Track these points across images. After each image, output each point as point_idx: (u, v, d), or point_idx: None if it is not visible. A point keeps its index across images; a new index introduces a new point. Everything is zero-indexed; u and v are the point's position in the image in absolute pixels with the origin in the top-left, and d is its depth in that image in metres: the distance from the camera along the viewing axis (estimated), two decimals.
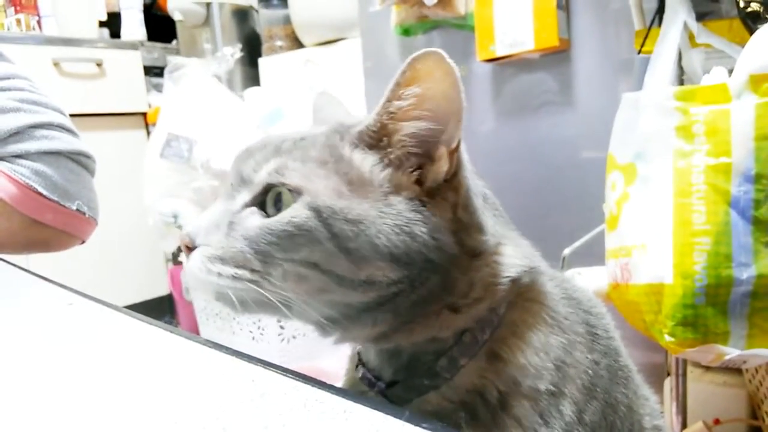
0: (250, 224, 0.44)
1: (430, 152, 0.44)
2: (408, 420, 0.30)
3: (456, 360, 0.46)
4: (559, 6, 1.32)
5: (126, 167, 2.20)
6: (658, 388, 1.35)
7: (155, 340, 0.46)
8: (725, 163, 0.78)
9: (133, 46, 2.49)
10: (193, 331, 2.10)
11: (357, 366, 0.52)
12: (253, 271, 0.42)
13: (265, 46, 2.36)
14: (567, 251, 1.11)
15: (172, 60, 2.23)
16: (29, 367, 0.41)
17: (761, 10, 0.89)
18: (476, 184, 0.49)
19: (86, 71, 2.32)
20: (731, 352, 0.80)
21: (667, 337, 0.82)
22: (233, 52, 2.21)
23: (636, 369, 0.58)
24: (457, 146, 0.44)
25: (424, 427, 0.29)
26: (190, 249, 0.44)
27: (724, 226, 0.78)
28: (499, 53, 1.38)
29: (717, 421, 1.20)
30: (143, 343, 0.45)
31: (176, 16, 2.49)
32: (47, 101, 0.82)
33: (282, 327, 1.82)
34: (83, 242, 0.89)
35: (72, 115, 0.86)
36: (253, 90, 2.29)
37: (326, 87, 2.02)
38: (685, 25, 0.93)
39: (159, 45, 2.63)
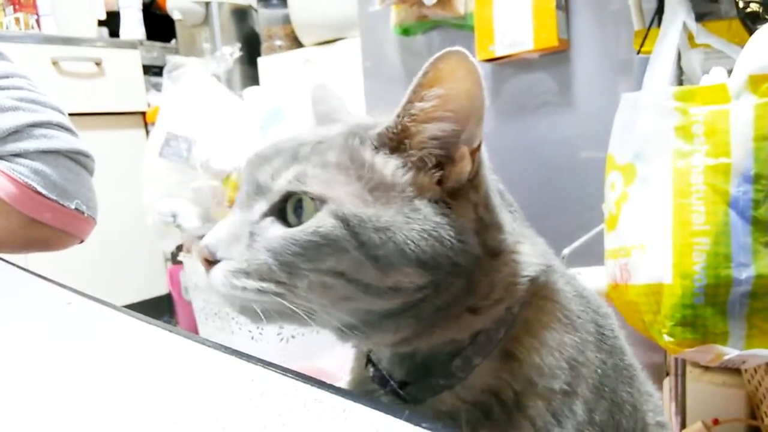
0: (272, 235, 0.42)
1: (452, 153, 0.44)
2: (408, 419, 0.29)
3: (470, 359, 0.45)
4: (558, 6, 1.32)
5: (125, 166, 2.19)
6: (658, 388, 1.35)
7: (154, 339, 0.46)
8: (724, 163, 0.78)
9: (132, 45, 2.49)
10: (192, 331, 2.10)
11: (366, 365, 0.51)
12: (278, 283, 0.41)
13: (264, 46, 2.36)
14: (566, 251, 1.11)
15: (171, 59, 2.23)
16: (28, 366, 0.41)
17: (760, 11, 0.89)
18: (492, 180, 0.48)
19: (85, 70, 2.32)
20: (730, 352, 0.80)
21: (666, 337, 0.82)
22: (232, 51, 2.20)
23: (640, 366, 0.58)
24: (479, 145, 0.44)
25: (423, 427, 0.29)
26: (210, 262, 0.43)
27: (724, 227, 0.78)
28: (498, 53, 1.38)
29: (716, 421, 1.20)
30: (142, 343, 0.45)
31: (175, 16, 2.49)
32: (46, 100, 0.82)
33: (281, 327, 1.81)
34: (82, 241, 0.89)
35: (71, 114, 0.86)
36: (252, 89, 2.29)
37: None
38: (685, 26, 0.93)
39: (158, 44, 2.62)
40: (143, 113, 2.48)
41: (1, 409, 0.34)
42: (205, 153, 1.99)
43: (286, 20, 2.26)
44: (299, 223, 0.42)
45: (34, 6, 2.39)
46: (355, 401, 0.32)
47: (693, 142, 0.81)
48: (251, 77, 2.40)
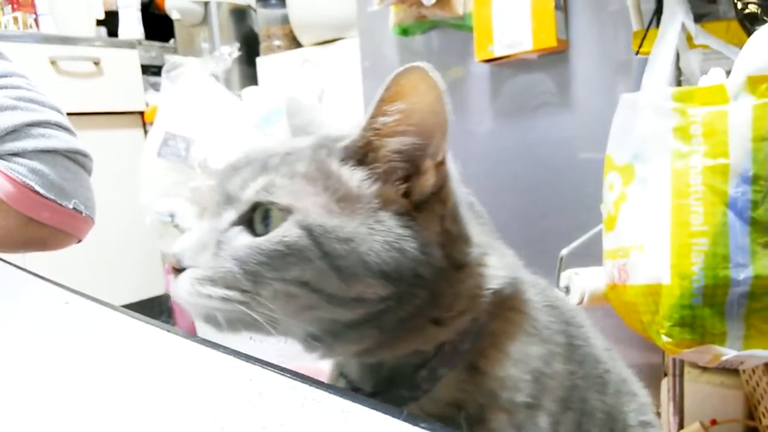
0: (239, 243, 0.43)
1: (417, 165, 0.44)
2: (406, 420, 0.29)
3: (436, 371, 0.45)
4: (557, 7, 1.32)
5: (123, 166, 2.19)
6: (656, 389, 1.35)
7: (152, 339, 0.46)
8: (723, 164, 0.78)
9: (130, 44, 2.49)
10: (190, 331, 2.10)
11: (338, 378, 0.52)
12: (242, 291, 0.42)
13: (263, 46, 2.36)
14: (565, 251, 1.11)
15: (170, 59, 2.23)
16: (26, 365, 0.41)
17: (759, 12, 0.89)
18: (462, 192, 0.48)
19: (83, 70, 2.31)
20: (728, 353, 0.80)
21: (665, 338, 0.82)
22: (231, 51, 2.20)
23: (623, 365, 0.58)
24: (444, 159, 0.44)
25: (422, 427, 0.29)
26: (178, 270, 0.44)
27: (722, 227, 0.78)
28: (497, 54, 1.38)
29: (714, 422, 1.20)
30: (140, 343, 0.45)
31: (174, 15, 2.48)
32: (44, 99, 0.82)
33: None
34: (80, 241, 0.88)
35: (69, 114, 0.86)
36: (250, 89, 2.29)
37: (324, 87, 2.02)
38: (683, 27, 0.93)
39: (156, 44, 2.62)
40: (141, 113, 2.47)
41: (0, 408, 0.34)
42: (203, 153, 1.99)
43: (285, 20, 2.25)
44: (267, 232, 0.42)
45: (33, 5, 2.38)
46: (353, 401, 0.32)
47: (691, 143, 0.81)
48: (250, 77, 2.40)
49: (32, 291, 0.61)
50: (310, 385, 0.34)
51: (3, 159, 0.77)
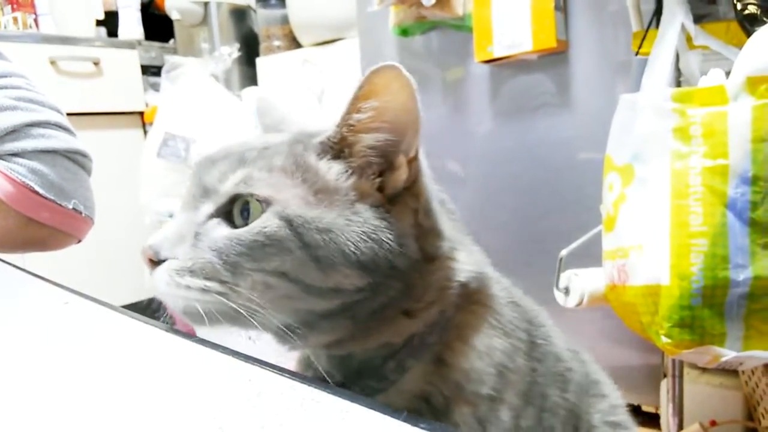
0: (218, 235, 0.43)
1: (391, 161, 0.46)
2: (405, 420, 0.29)
3: (403, 362, 0.46)
4: (557, 7, 1.32)
5: (123, 166, 2.19)
6: (655, 390, 1.35)
7: (152, 339, 0.46)
8: (722, 164, 0.78)
9: (130, 45, 2.49)
10: (189, 331, 2.10)
11: (306, 369, 0.52)
12: (221, 282, 0.42)
13: (262, 46, 2.36)
14: (564, 252, 1.11)
15: (170, 59, 2.23)
16: (25, 366, 0.41)
17: (758, 13, 0.89)
18: (434, 188, 0.50)
19: (83, 70, 2.31)
20: (728, 354, 0.80)
21: (664, 339, 0.82)
22: (231, 51, 2.20)
23: (596, 368, 0.60)
24: (416, 155, 0.46)
25: (421, 427, 0.29)
26: (154, 262, 0.44)
27: (721, 228, 0.78)
28: (497, 54, 1.39)
29: (713, 423, 1.20)
30: (140, 343, 0.45)
31: (174, 16, 2.48)
32: (44, 100, 0.82)
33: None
34: (79, 241, 0.88)
35: (69, 114, 0.86)
36: (250, 90, 2.29)
37: (324, 87, 2.02)
38: (683, 27, 0.93)
39: (156, 44, 2.62)
40: (141, 113, 2.47)
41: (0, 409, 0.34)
42: (203, 153, 1.98)
43: (285, 20, 2.26)
44: (245, 224, 0.43)
45: (32, 5, 2.38)
46: (352, 401, 0.32)
47: (691, 144, 0.81)
48: (250, 77, 2.40)
49: (32, 291, 0.61)
50: (309, 385, 0.34)
51: (3, 159, 0.77)
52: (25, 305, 0.57)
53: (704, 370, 1.34)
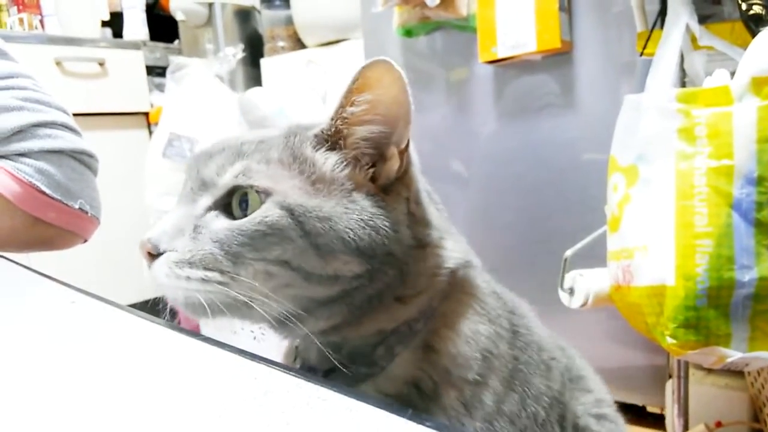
0: (218, 227, 0.44)
1: (383, 152, 0.47)
2: (411, 418, 0.30)
3: (392, 348, 0.47)
4: (561, 8, 1.32)
5: (128, 167, 2.20)
6: (660, 391, 1.35)
7: (158, 338, 0.46)
8: (727, 165, 0.78)
9: (135, 45, 2.49)
10: (194, 330, 2.10)
11: (294, 360, 0.53)
12: (222, 272, 0.43)
13: (267, 47, 2.36)
14: (569, 253, 1.11)
15: (174, 60, 2.23)
16: (32, 364, 0.41)
17: (763, 13, 0.89)
18: (422, 179, 0.52)
19: (88, 71, 2.32)
20: (733, 355, 0.80)
21: (669, 339, 0.82)
22: (235, 52, 2.21)
23: (584, 364, 0.61)
24: (407, 146, 0.47)
25: (427, 426, 0.29)
26: (153, 256, 0.45)
27: (726, 229, 0.78)
28: (501, 55, 1.38)
29: (719, 424, 1.20)
30: (146, 341, 0.45)
31: (178, 16, 2.49)
32: (51, 100, 0.82)
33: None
34: (85, 241, 0.89)
35: (74, 115, 0.86)
36: (254, 90, 2.29)
37: (328, 88, 2.02)
38: (688, 28, 0.93)
39: (161, 45, 2.63)
40: (146, 114, 2.48)
41: (6, 407, 0.34)
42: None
43: (289, 21, 2.26)
44: (245, 216, 0.44)
45: (38, 6, 2.39)
46: (358, 400, 0.32)
47: (696, 144, 0.81)
48: (254, 78, 2.40)
49: (39, 290, 0.62)
50: (315, 384, 0.35)
51: (9, 159, 0.77)
52: (32, 304, 0.57)
53: (710, 371, 1.33)
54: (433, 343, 0.48)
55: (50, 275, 0.65)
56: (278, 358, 0.40)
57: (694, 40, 0.96)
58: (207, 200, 0.46)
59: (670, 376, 1.18)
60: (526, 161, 1.49)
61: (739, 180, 0.77)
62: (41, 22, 2.39)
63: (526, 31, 1.34)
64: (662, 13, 1.00)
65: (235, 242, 0.43)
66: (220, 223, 0.45)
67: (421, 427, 0.29)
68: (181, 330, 0.46)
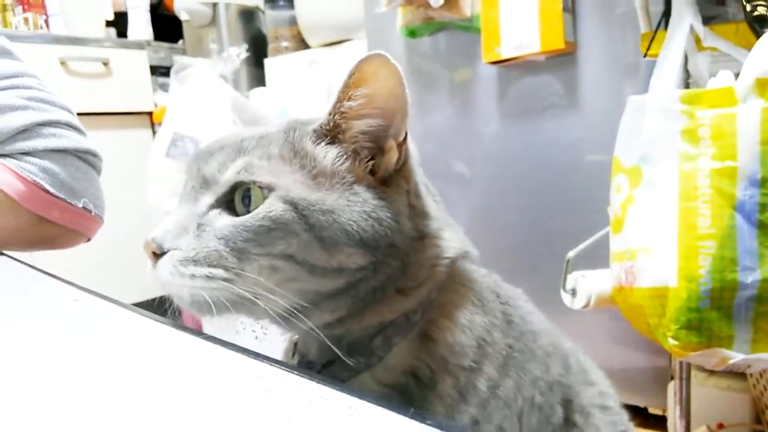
0: (222, 224, 0.45)
1: (381, 145, 0.48)
2: (413, 417, 0.30)
3: (390, 338, 0.48)
4: (565, 8, 1.32)
5: (132, 166, 2.20)
6: (662, 392, 1.34)
7: (161, 336, 0.46)
8: (731, 166, 0.78)
9: (139, 45, 2.50)
10: (197, 329, 2.10)
11: (293, 355, 0.54)
12: (227, 269, 0.43)
13: (271, 47, 2.37)
14: (571, 254, 1.11)
15: (179, 60, 2.24)
16: (36, 362, 0.41)
17: None
18: (419, 172, 0.52)
19: (93, 70, 2.33)
20: (735, 356, 0.80)
21: (671, 341, 0.82)
22: (239, 52, 2.21)
23: (586, 359, 0.62)
24: (405, 138, 0.48)
25: (428, 424, 0.29)
26: (157, 255, 0.46)
27: (729, 230, 0.78)
28: (504, 55, 1.38)
29: (721, 426, 1.20)
30: (149, 340, 0.46)
31: (183, 16, 2.50)
32: (55, 99, 0.82)
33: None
34: (89, 240, 0.89)
35: (78, 114, 0.86)
36: (258, 90, 2.29)
37: (332, 88, 2.02)
38: (692, 29, 0.93)
39: (165, 45, 2.63)
40: (150, 113, 2.49)
41: (9, 405, 0.35)
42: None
43: (293, 21, 2.26)
44: (247, 212, 0.44)
45: (43, 6, 2.40)
46: (361, 398, 0.32)
47: (699, 146, 0.80)
48: (258, 78, 2.41)
49: (42, 289, 0.62)
50: (318, 382, 0.35)
51: (14, 158, 0.78)
52: (35, 302, 0.57)
53: (712, 372, 1.33)
54: (430, 332, 0.49)
55: (54, 274, 0.65)
56: (280, 356, 0.40)
57: (698, 41, 0.96)
58: (209, 198, 0.46)
59: (672, 378, 1.18)
60: (529, 162, 1.49)
61: (743, 181, 0.77)
62: (46, 21, 2.39)
63: (530, 32, 1.34)
64: (666, 14, 1.00)
65: (240, 238, 0.43)
66: (223, 220, 0.45)
67: (422, 425, 0.29)
68: (184, 329, 0.46)
